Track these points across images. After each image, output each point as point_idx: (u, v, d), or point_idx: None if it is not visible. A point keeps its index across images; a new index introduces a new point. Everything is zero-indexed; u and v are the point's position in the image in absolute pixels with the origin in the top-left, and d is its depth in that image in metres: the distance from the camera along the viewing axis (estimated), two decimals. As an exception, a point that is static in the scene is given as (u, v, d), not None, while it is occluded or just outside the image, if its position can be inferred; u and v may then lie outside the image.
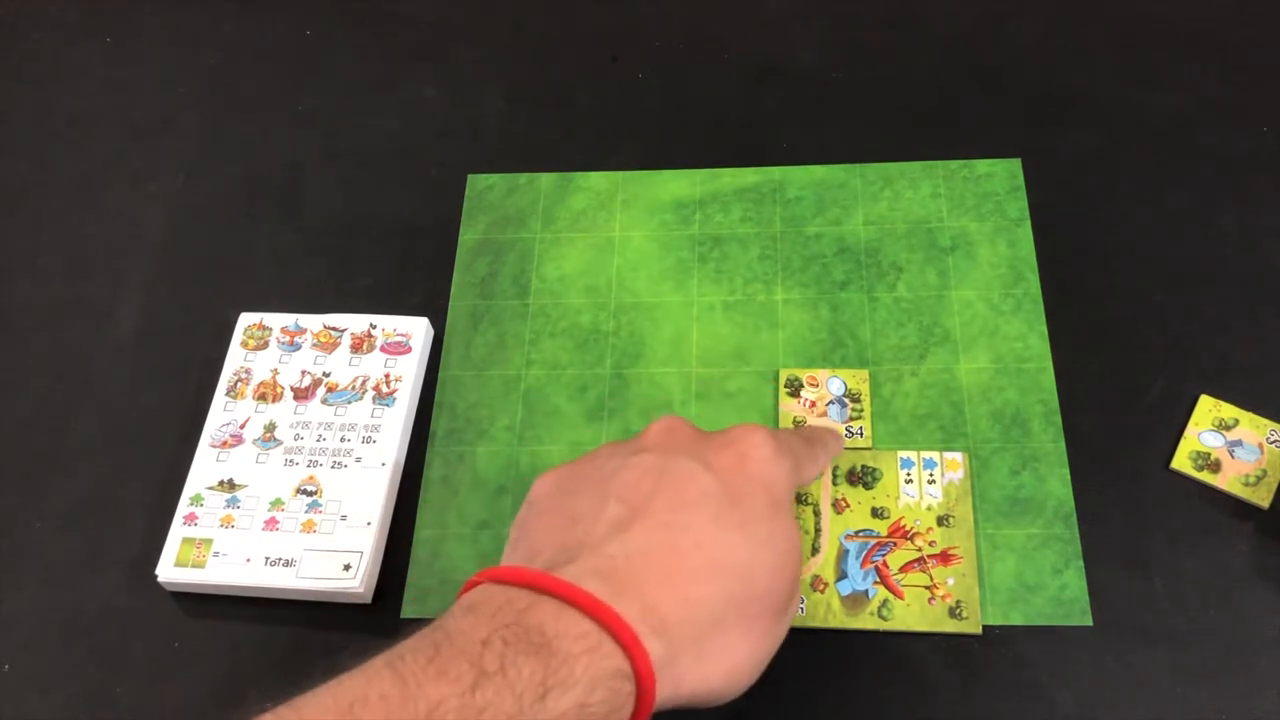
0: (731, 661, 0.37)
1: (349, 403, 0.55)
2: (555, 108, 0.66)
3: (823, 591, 0.50)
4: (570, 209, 0.62)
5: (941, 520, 0.51)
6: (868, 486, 0.52)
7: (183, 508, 0.53)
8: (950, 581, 0.49)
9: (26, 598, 0.53)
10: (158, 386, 0.58)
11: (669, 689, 0.35)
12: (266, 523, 0.52)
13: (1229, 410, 0.53)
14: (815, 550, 0.51)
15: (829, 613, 0.49)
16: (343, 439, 0.54)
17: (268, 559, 0.51)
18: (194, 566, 0.51)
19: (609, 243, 0.61)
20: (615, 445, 0.42)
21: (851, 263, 0.59)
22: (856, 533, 0.51)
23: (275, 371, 0.56)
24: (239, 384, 0.56)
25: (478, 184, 0.64)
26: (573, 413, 0.56)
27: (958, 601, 0.49)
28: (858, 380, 0.55)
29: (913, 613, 0.49)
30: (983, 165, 0.61)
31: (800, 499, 0.52)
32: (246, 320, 0.58)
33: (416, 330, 0.57)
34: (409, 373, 0.56)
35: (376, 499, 0.52)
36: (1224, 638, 0.48)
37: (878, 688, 0.48)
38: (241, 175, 0.65)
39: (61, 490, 0.56)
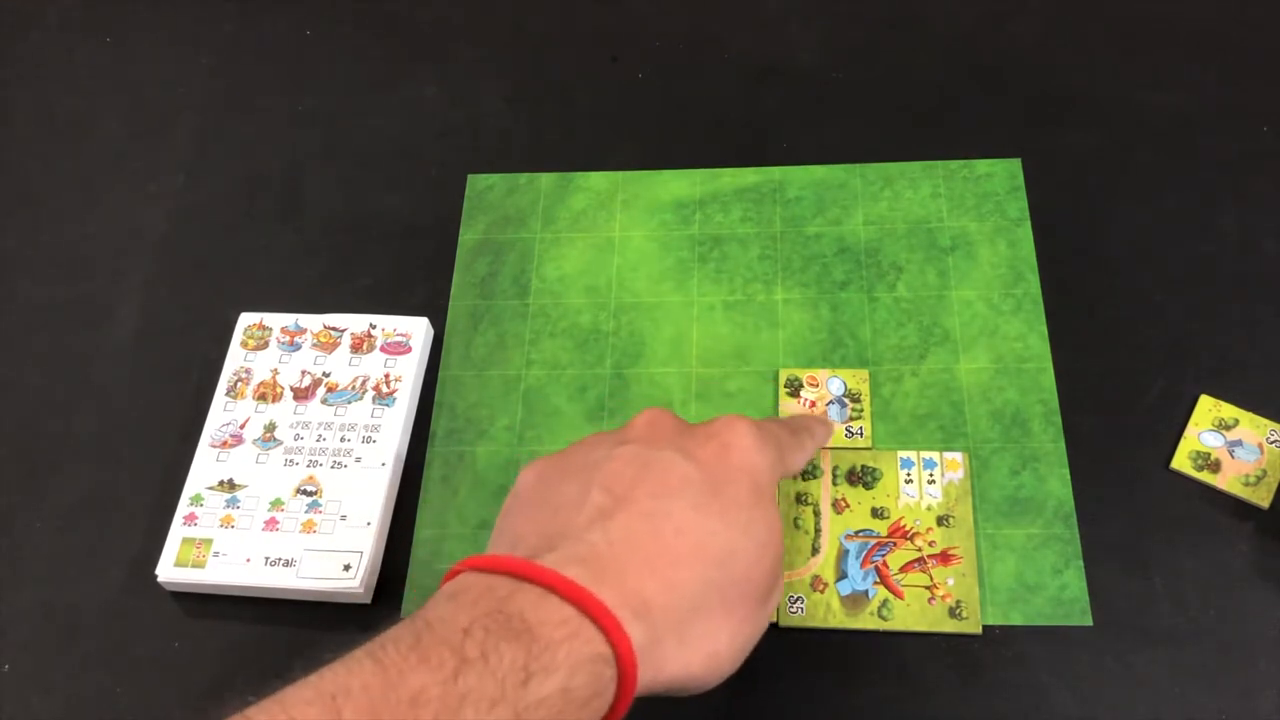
0: (713, 646, 0.38)
1: (349, 403, 0.55)
2: (555, 108, 0.66)
3: (823, 591, 0.50)
4: (570, 209, 0.62)
5: (941, 520, 0.51)
6: (868, 486, 0.52)
7: (183, 508, 0.53)
8: (950, 581, 0.49)
9: (26, 598, 0.53)
10: (158, 386, 0.58)
11: (650, 673, 0.35)
12: (266, 523, 0.52)
13: (1229, 410, 0.53)
14: (815, 550, 0.51)
15: (829, 613, 0.49)
16: (343, 439, 0.54)
17: (268, 559, 0.51)
18: (194, 566, 0.51)
19: (609, 243, 0.61)
20: (601, 436, 0.43)
21: (851, 263, 0.59)
22: (856, 533, 0.51)
23: (275, 371, 0.56)
24: (239, 384, 0.56)
25: (478, 184, 0.64)
26: (573, 413, 0.56)
27: (958, 601, 0.49)
28: (858, 380, 0.55)
29: (913, 613, 0.49)
30: (983, 165, 0.61)
31: (800, 499, 0.52)
32: (246, 320, 0.58)
33: (416, 330, 0.57)
34: (409, 373, 0.56)
35: (376, 499, 0.52)
36: (1224, 638, 0.48)
37: (878, 688, 0.48)
38: (241, 175, 0.65)
39: (61, 490, 0.56)
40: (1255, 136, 0.61)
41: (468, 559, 0.36)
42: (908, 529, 0.51)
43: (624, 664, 0.34)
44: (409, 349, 0.57)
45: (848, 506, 0.52)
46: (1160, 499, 0.51)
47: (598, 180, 0.63)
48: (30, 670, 0.51)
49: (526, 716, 0.32)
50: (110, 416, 0.58)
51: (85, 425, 0.57)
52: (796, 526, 0.51)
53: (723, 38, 0.68)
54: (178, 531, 0.52)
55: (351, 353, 0.57)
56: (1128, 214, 0.59)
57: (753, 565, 0.39)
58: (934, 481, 0.52)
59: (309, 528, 0.52)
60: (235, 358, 0.57)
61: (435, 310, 0.59)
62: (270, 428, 0.55)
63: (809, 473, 0.52)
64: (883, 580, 0.50)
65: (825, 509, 0.52)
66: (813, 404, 0.54)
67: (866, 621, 0.49)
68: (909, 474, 0.52)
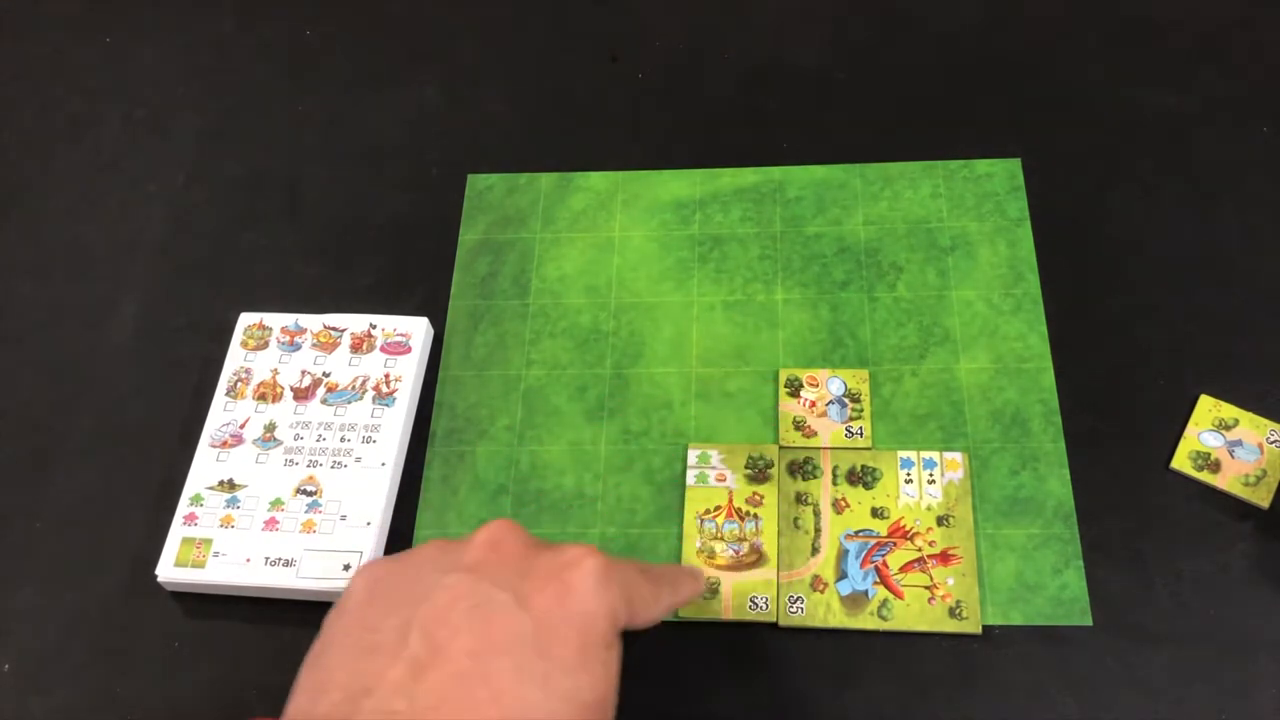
0: None
1: (349, 403, 0.55)
2: (555, 108, 0.66)
3: (823, 591, 0.50)
4: (570, 209, 0.62)
5: (941, 520, 0.51)
6: (868, 486, 0.52)
7: (183, 508, 0.53)
8: (950, 581, 0.49)
9: (26, 598, 0.53)
10: (158, 386, 0.58)
11: None
12: (266, 523, 0.52)
13: (1229, 410, 0.53)
14: (815, 550, 0.51)
15: (829, 613, 0.49)
16: (343, 439, 0.54)
17: (268, 559, 0.51)
18: (194, 566, 0.51)
19: (609, 243, 0.61)
20: (441, 547, 0.40)
21: (851, 263, 0.59)
22: (856, 533, 0.51)
23: (275, 371, 0.56)
24: (239, 384, 0.56)
25: (478, 184, 0.64)
26: (573, 413, 0.56)
27: (958, 601, 0.49)
28: (858, 380, 0.55)
29: (913, 613, 0.49)
30: (983, 165, 0.61)
31: (800, 499, 0.52)
32: (246, 320, 0.58)
33: (416, 330, 0.57)
34: (409, 373, 0.56)
35: (376, 499, 0.52)
36: (1224, 638, 0.48)
37: (878, 688, 0.48)
38: (241, 175, 0.65)
39: (61, 490, 0.56)
40: (1255, 136, 0.61)
41: None
42: (908, 529, 0.51)
43: None
44: (409, 349, 0.57)
45: (848, 506, 0.52)
46: (1160, 499, 0.51)
47: (598, 180, 0.63)
48: (30, 670, 0.51)
49: None
50: (110, 416, 0.57)
51: (85, 425, 0.57)
52: (796, 527, 0.51)
53: (723, 38, 0.68)
54: (178, 531, 0.52)
55: (351, 353, 0.57)
56: (1128, 214, 0.59)
57: None
58: (934, 481, 0.52)
59: (309, 528, 0.52)
60: (235, 358, 0.57)
61: (435, 310, 0.59)
62: (270, 428, 0.55)
63: (809, 473, 0.53)
64: (883, 580, 0.50)
65: (825, 509, 0.52)
66: (813, 404, 0.54)
67: (866, 621, 0.49)
68: (909, 474, 0.52)
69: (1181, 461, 0.52)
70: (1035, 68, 0.65)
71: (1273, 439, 0.52)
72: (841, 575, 0.50)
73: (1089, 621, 0.48)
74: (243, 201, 0.64)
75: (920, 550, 0.50)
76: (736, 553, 0.51)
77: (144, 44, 0.72)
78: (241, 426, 0.55)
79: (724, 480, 0.53)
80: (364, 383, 0.56)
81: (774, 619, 0.49)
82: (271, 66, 0.70)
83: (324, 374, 0.56)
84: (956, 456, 0.52)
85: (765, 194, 0.62)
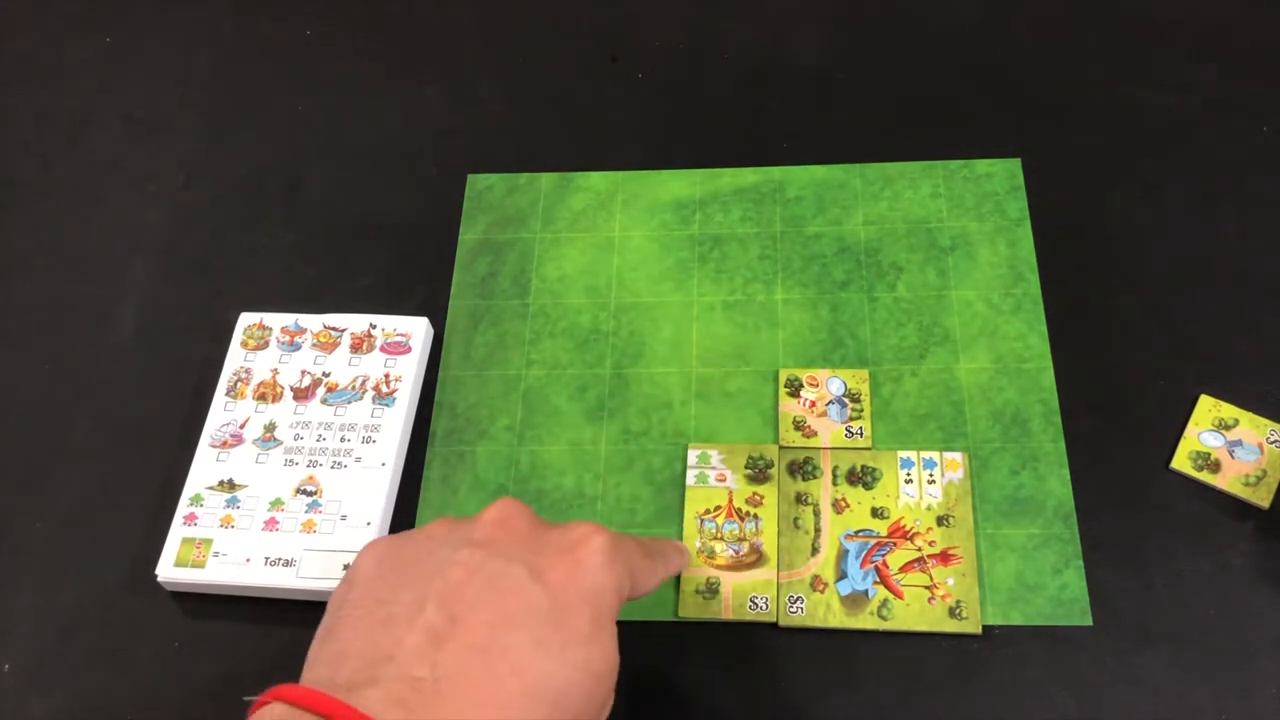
0: None
1: (349, 403, 0.55)
2: (555, 108, 0.66)
3: (823, 591, 0.50)
4: (570, 209, 0.62)
5: (941, 520, 0.51)
6: (868, 486, 0.52)
7: (183, 508, 0.53)
8: (950, 581, 0.49)
9: (26, 598, 0.53)
10: (158, 386, 0.58)
11: None
12: (266, 523, 0.52)
13: (1229, 410, 0.53)
14: (815, 550, 0.51)
15: (829, 613, 0.49)
16: (343, 439, 0.54)
17: (268, 559, 0.51)
18: (194, 566, 0.51)
19: (609, 243, 0.61)
20: (449, 525, 0.40)
21: (851, 263, 0.59)
22: (856, 533, 0.51)
23: (275, 371, 0.56)
24: (239, 384, 0.56)
25: (478, 184, 0.64)
26: (573, 413, 0.56)
27: (958, 601, 0.49)
28: (857, 380, 0.55)
29: (913, 613, 0.49)
30: (983, 165, 0.61)
31: (800, 499, 0.52)
32: (246, 320, 0.58)
33: (416, 330, 0.57)
34: (409, 373, 0.56)
35: (376, 499, 0.52)
36: (1224, 638, 0.48)
37: (878, 688, 0.48)
38: (241, 175, 0.65)
39: (61, 490, 0.56)
40: (1255, 136, 0.61)
41: (281, 688, 0.34)
42: (908, 529, 0.51)
43: None
44: (409, 349, 0.57)
45: (848, 506, 0.52)
46: (1160, 499, 0.51)
47: (598, 180, 0.63)
48: (30, 670, 0.51)
49: None
50: (110, 416, 0.58)
51: (85, 425, 0.57)
52: (796, 527, 0.51)
53: (723, 38, 0.68)
54: (178, 531, 0.52)
55: (351, 353, 0.57)
56: (1128, 214, 0.59)
57: (586, 702, 0.37)
58: (934, 481, 0.52)
59: (309, 528, 0.52)
60: (235, 358, 0.57)
61: (435, 310, 0.59)
62: (270, 428, 0.55)
63: (809, 473, 0.53)
64: (883, 580, 0.50)
65: (825, 509, 0.52)
66: (812, 404, 0.54)
67: (866, 621, 0.49)
68: (909, 474, 0.52)
69: (1181, 461, 0.52)
70: (1035, 68, 0.65)
71: (1273, 439, 0.52)
72: (841, 575, 0.50)
73: (1089, 621, 0.48)
74: (243, 201, 0.64)
75: (920, 550, 0.50)
76: (736, 553, 0.51)
77: (144, 44, 0.72)
78: (241, 426, 0.55)
79: (724, 480, 0.53)
80: (364, 383, 0.56)
81: (774, 619, 0.49)
82: (271, 66, 0.70)
83: (324, 374, 0.56)
84: (956, 456, 0.52)
85: (765, 194, 0.62)
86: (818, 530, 0.51)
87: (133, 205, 0.65)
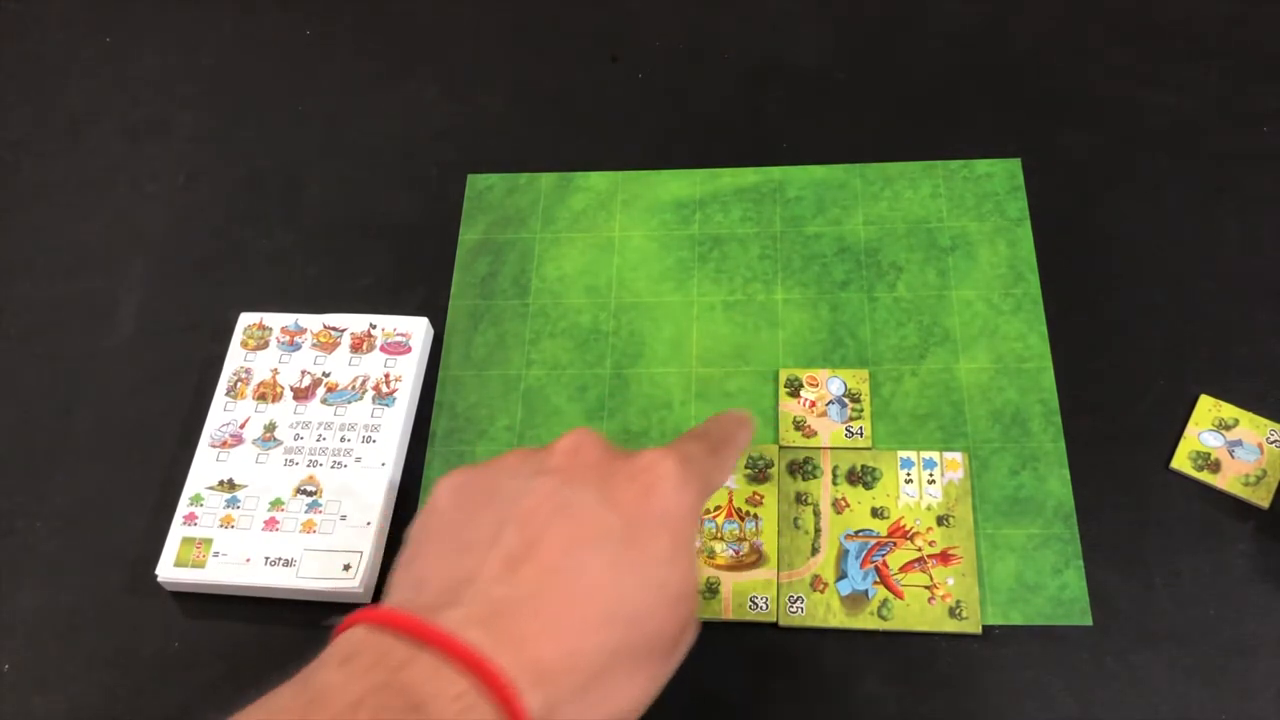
0: (615, 706, 0.36)
1: (349, 403, 0.55)
2: (555, 108, 0.66)
3: (823, 591, 0.50)
4: (570, 209, 0.62)
5: (941, 520, 0.51)
6: (868, 486, 0.52)
7: (183, 508, 0.53)
8: (950, 581, 0.49)
9: (26, 598, 0.53)
10: (158, 386, 0.58)
11: None
12: (266, 523, 0.52)
13: (1229, 410, 0.53)
14: (815, 550, 0.51)
15: (829, 613, 0.49)
16: (343, 439, 0.54)
17: (267, 559, 0.51)
18: (194, 566, 0.51)
19: (609, 243, 0.61)
20: (523, 456, 0.41)
21: (851, 263, 0.59)
22: (856, 533, 0.51)
23: (275, 371, 0.56)
24: (239, 384, 0.56)
25: (478, 184, 0.64)
26: (573, 413, 0.56)
27: (958, 601, 0.49)
28: (858, 380, 0.55)
29: (913, 613, 0.49)
30: (983, 165, 0.61)
31: (800, 499, 0.52)
32: (246, 320, 0.58)
33: (416, 330, 0.57)
34: (409, 373, 0.56)
35: (376, 499, 0.52)
36: (1224, 638, 0.48)
37: (878, 688, 0.48)
38: (241, 175, 0.65)
39: (61, 490, 0.56)
40: (1255, 136, 0.61)
41: (364, 610, 0.34)
42: (908, 529, 0.51)
43: None
44: (409, 349, 0.57)
45: (848, 506, 0.52)
46: (1160, 499, 0.51)
47: (598, 180, 0.63)
48: (30, 670, 0.51)
49: None
50: (110, 416, 0.58)
51: (85, 425, 0.57)
52: (796, 527, 0.51)
53: (723, 38, 0.68)
54: (178, 531, 0.52)
55: (351, 353, 0.57)
56: (1128, 214, 0.59)
57: (665, 622, 0.37)
58: (934, 481, 0.52)
59: (309, 528, 0.52)
60: (235, 358, 0.57)
61: (435, 310, 0.59)
62: (270, 428, 0.55)
63: (809, 472, 0.53)
64: (883, 580, 0.50)
65: (825, 509, 0.52)
66: (813, 404, 0.54)
67: (866, 621, 0.49)
68: (909, 474, 0.52)
69: (1181, 461, 0.52)
70: (1035, 68, 0.65)
71: (1273, 439, 0.52)
72: (841, 575, 0.50)
73: (1089, 621, 0.48)
74: (243, 201, 0.64)
75: (920, 550, 0.50)
76: (736, 553, 0.51)
77: (144, 44, 0.72)
78: (241, 426, 0.55)
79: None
80: (364, 383, 0.56)
81: (774, 619, 0.49)
82: (271, 66, 0.70)
83: (324, 374, 0.56)
84: (956, 456, 0.52)
85: (765, 194, 0.62)
86: (818, 530, 0.51)
87: (133, 205, 0.65)
